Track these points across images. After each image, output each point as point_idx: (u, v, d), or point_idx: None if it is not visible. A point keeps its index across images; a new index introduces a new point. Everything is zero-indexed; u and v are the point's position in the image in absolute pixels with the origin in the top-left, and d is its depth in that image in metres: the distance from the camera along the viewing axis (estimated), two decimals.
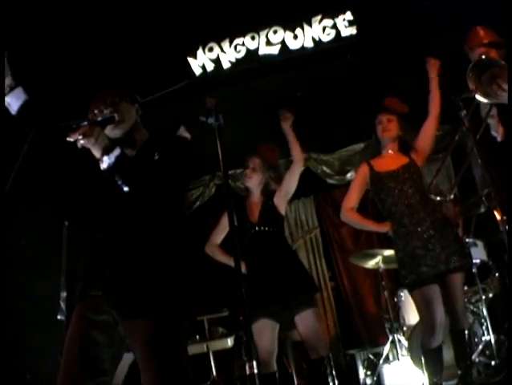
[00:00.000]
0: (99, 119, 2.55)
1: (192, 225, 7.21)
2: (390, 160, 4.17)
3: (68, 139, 2.39)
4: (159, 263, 2.41)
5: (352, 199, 4.24)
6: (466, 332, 3.95)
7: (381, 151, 4.25)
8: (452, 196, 3.89)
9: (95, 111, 2.61)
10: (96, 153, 2.41)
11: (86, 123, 2.43)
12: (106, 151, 2.40)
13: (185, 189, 2.69)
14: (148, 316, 2.33)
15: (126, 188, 2.39)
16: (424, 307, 3.89)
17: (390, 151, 4.18)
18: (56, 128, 2.49)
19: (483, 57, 3.17)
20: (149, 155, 2.52)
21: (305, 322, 4.10)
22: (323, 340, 4.32)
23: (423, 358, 4.06)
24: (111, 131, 2.58)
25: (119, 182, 2.39)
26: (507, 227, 3.23)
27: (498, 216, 3.45)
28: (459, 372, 3.96)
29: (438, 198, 3.89)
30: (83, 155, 2.47)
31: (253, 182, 4.42)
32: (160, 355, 2.30)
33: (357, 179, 4.31)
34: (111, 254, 2.45)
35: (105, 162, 2.39)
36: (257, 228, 4.29)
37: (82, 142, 2.39)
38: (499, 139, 3.34)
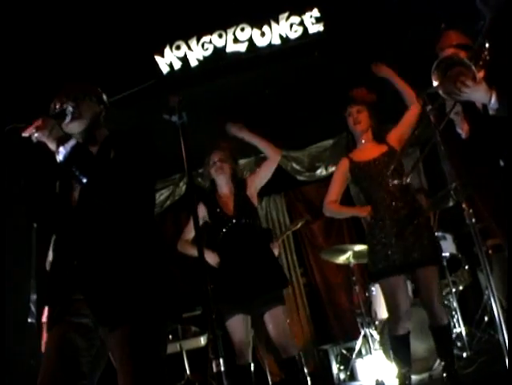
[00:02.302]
0: (54, 112, 2.53)
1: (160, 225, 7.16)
2: (369, 149, 4.20)
3: (23, 134, 2.37)
4: (129, 267, 2.38)
5: (333, 193, 4.26)
6: (447, 326, 4.00)
7: (356, 143, 4.27)
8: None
9: (57, 104, 2.58)
10: (51, 145, 2.39)
11: (40, 117, 2.42)
12: (61, 142, 2.37)
13: (150, 186, 2.60)
14: (123, 324, 2.31)
15: (84, 180, 2.36)
16: (390, 296, 3.94)
17: (365, 142, 4.21)
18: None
19: (449, 55, 3.19)
20: (107, 152, 2.50)
21: (275, 319, 4.10)
22: (292, 338, 4.32)
23: (390, 347, 4.10)
24: (67, 126, 2.53)
25: (77, 173, 2.36)
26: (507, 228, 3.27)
27: (466, 210, 3.49)
28: (442, 363, 4.01)
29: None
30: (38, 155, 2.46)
31: (226, 173, 4.39)
32: (135, 361, 2.29)
33: (337, 174, 4.34)
34: (84, 260, 2.42)
35: (61, 153, 2.36)
36: (234, 220, 4.26)
37: (36, 135, 2.37)
38: (464, 136, 3.37)
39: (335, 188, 4.29)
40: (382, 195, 4.02)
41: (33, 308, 4.99)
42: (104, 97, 2.78)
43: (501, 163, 3.09)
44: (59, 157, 2.37)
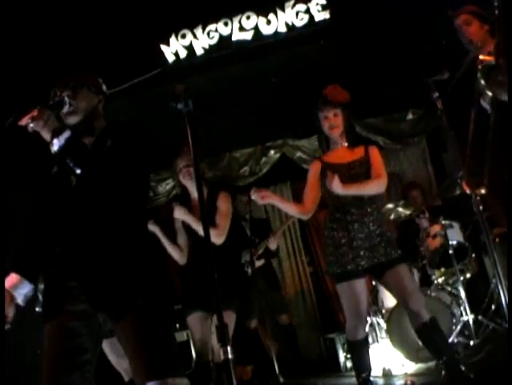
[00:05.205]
0: (50, 102, 2.53)
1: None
2: (343, 152, 3.98)
3: (19, 123, 2.37)
4: (121, 254, 2.41)
5: (306, 196, 4.04)
6: (429, 322, 3.68)
7: (330, 145, 4.03)
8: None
9: (56, 94, 2.60)
10: (46, 136, 2.39)
11: (36, 107, 2.41)
12: (56, 133, 2.38)
13: (144, 176, 2.62)
14: (130, 312, 2.34)
15: (78, 171, 2.38)
16: (349, 300, 3.79)
17: (340, 145, 3.98)
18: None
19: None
20: (104, 141, 2.51)
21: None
22: None
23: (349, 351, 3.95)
24: (65, 116, 2.54)
25: (71, 164, 2.38)
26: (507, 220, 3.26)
27: (473, 198, 3.47)
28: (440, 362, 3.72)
29: None
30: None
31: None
32: (145, 349, 2.31)
33: (309, 176, 4.05)
34: (77, 248, 2.43)
35: (55, 145, 2.37)
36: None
37: (31, 125, 2.37)
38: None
39: (307, 191, 4.04)
40: (350, 199, 3.82)
41: (40, 297, 5.01)
42: (103, 87, 2.78)
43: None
44: (54, 148, 2.38)
